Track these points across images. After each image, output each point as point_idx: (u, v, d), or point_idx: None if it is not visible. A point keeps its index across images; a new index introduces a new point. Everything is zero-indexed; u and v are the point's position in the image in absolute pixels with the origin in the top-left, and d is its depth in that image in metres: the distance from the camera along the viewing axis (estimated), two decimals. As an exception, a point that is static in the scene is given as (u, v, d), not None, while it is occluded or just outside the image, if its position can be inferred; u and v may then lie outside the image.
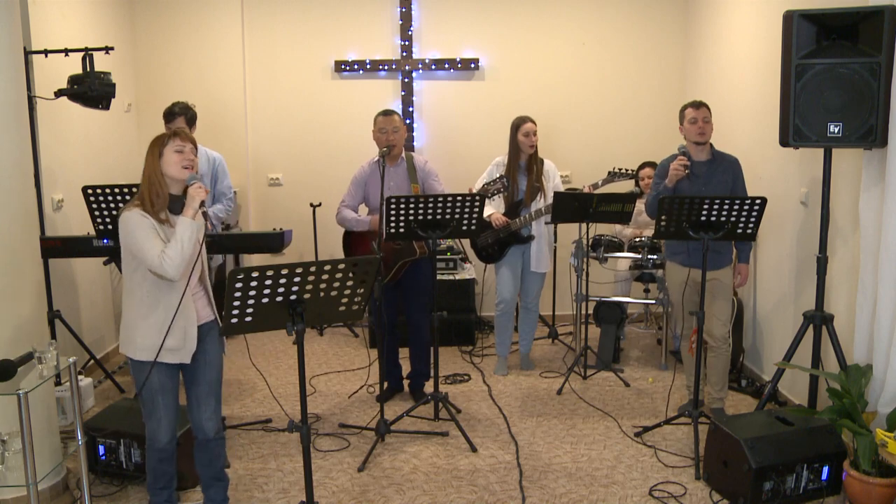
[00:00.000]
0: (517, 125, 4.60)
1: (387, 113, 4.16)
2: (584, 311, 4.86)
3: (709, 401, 4.07)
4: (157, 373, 2.70)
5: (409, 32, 5.84)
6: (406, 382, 4.50)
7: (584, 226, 4.72)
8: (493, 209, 4.63)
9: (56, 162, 4.54)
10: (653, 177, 5.34)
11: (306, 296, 2.41)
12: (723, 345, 3.94)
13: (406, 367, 4.48)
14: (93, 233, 3.83)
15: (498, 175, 4.40)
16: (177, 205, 2.70)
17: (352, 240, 4.37)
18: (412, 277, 4.23)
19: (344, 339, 5.71)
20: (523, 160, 4.64)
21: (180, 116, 4.24)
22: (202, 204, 2.63)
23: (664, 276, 4.91)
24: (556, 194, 4.45)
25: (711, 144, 3.93)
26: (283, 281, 2.34)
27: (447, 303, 5.37)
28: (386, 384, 4.30)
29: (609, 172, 4.58)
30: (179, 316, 2.65)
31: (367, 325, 5.53)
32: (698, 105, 3.87)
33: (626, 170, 4.60)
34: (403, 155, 4.26)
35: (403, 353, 4.49)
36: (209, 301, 2.85)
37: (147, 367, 2.68)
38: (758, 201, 3.40)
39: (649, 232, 5.06)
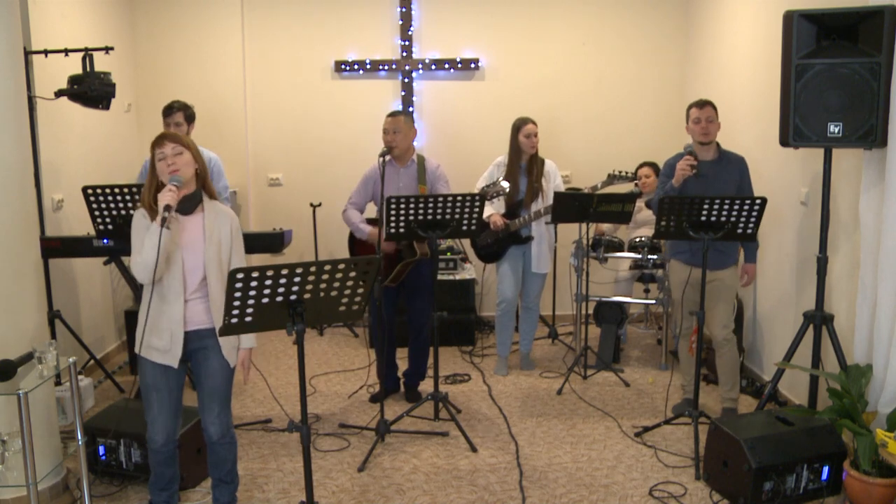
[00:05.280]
0: (518, 126, 4.59)
1: (392, 114, 4.14)
2: (584, 311, 4.87)
3: (720, 401, 4.06)
4: (149, 370, 2.77)
5: (409, 32, 5.84)
6: (401, 382, 4.49)
7: (584, 226, 4.72)
8: (493, 210, 4.63)
9: (56, 162, 4.54)
10: (651, 175, 5.38)
11: (306, 296, 2.41)
12: (725, 344, 3.94)
13: (403, 367, 4.47)
14: (93, 233, 3.83)
15: (499, 177, 4.39)
16: (185, 205, 2.74)
17: (356, 240, 4.37)
18: (415, 279, 4.22)
19: (344, 339, 5.71)
20: (524, 161, 4.64)
21: (179, 112, 4.24)
22: (168, 208, 2.57)
23: (664, 276, 4.92)
24: (557, 194, 4.45)
25: (718, 144, 3.90)
26: (283, 281, 2.34)
27: (447, 303, 5.37)
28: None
29: (609, 175, 4.58)
30: (166, 318, 2.72)
31: (367, 325, 5.53)
32: (702, 104, 3.84)
33: (626, 172, 4.60)
34: (415, 157, 4.22)
35: (401, 354, 4.49)
36: (209, 308, 2.78)
37: (143, 361, 2.78)
38: (758, 201, 3.40)
39: (646, 231, 5.06)
